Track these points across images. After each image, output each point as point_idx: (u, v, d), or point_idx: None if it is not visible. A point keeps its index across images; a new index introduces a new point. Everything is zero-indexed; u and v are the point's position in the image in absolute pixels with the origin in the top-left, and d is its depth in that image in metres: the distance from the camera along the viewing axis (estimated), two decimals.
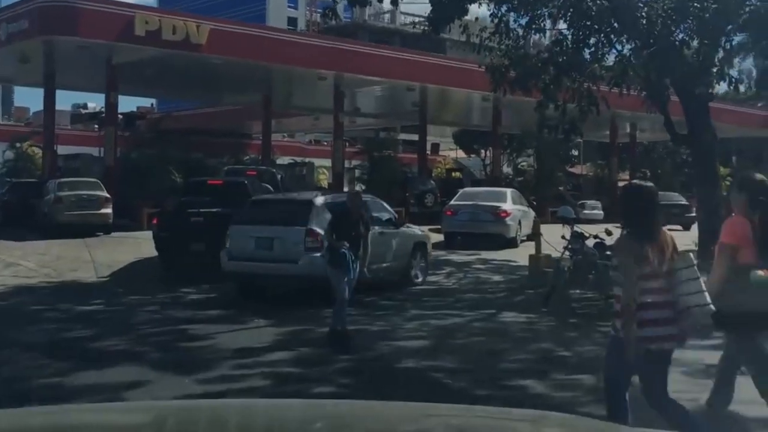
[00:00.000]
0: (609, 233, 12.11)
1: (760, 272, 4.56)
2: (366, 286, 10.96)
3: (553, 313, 10.13)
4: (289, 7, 75.07)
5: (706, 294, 4.28)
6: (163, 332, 9.00)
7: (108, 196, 20.18)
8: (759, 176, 5.15)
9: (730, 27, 12.76)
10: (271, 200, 13.53)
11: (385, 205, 13.97)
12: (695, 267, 4.31)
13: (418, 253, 13.27)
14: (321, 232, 10.46)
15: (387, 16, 63.52)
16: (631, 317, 4.19)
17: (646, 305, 4.26)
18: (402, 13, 61.83)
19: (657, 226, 4.37)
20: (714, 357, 7.48)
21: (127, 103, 72.71)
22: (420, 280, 13.27)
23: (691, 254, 4.45)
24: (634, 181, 4.94)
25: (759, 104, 43.13)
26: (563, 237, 11.88)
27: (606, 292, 11.59)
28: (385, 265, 12.27)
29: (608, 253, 11.96)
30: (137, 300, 11.54)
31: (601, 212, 31.10)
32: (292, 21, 64.15)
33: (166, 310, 10.60)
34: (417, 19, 47.30)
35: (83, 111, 60.61)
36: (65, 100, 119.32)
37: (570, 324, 9.59)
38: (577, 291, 11.60)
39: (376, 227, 12.08)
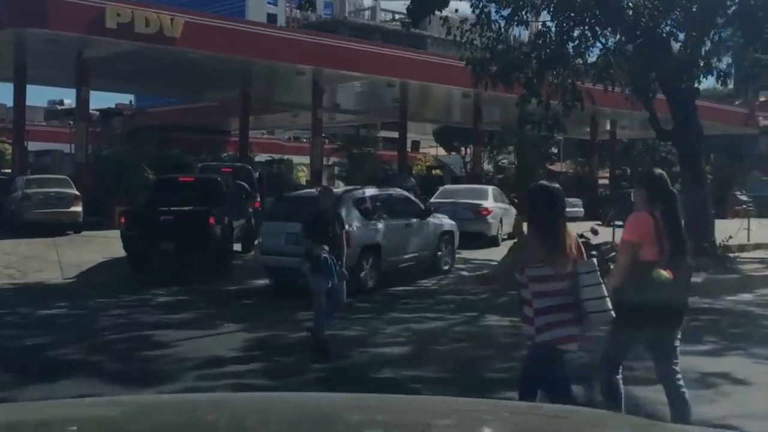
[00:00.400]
0: (595, 232, 11.72)
1: (663, 271, 4.51)
2: (395, 276, 11.97)
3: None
4: (269, 3, 74.42)
5: (607, 300, 4.30)
6: (125, 339, 8.46)
7: (77, 193, 19.54)
8: (658, 171, 5.08)
9: (718, 20, 12.43)
10: (301, 197, 13.75)
11: (411, 197, 14.67)
12: (597, 273, 4.31)
13: (445, 242, 14.13)
14: (348, 228, 10.97)
15: (367, 12, 63.17)
16: (487, 282, 4.20)
17: (550, 309, 4.26)
18: (382, 10, 61.52)
19: (561, 227, 4.37)
20: (710, 365, 7.13)
21: (107, 100, 71.88)
22: (447, 268, 14.11)
23: (594, 260, 4.47)
24: (541, 182, 4.80)
25: (737, 102, 43.19)
26: None
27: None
28: (411, 255, 13.13)
29: (593, 252, 11.61)
30: (102, 303, 10.99)
31: (582, 210, 30.89)
32: (271, 18, 63.58)
33: (132, 314, 10.07)
34: (398, 16, 46.90)
35: (59, 107, 59.59)
36: (42, 96, 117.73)
37: None
38: None
39: (401, 220, 12.94)
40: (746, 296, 11.99)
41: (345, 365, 7.37)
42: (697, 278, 12.88)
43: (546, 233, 4.30)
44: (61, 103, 62.33)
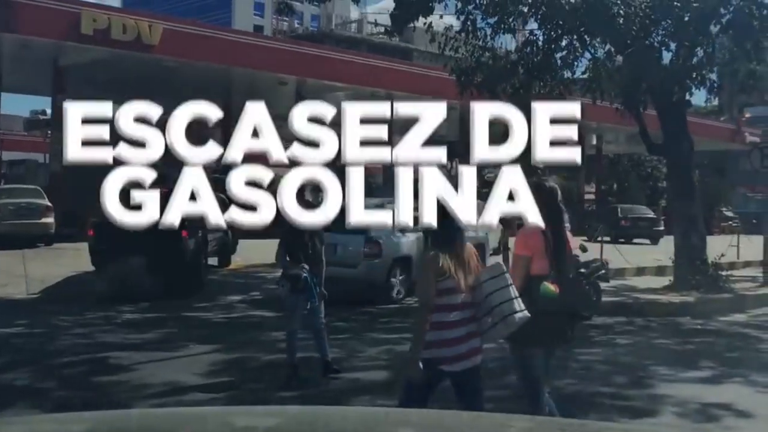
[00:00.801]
0: (584, 249, 11.28)
1: (550, 285, 4.52)
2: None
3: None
4: (255, 14, 74.18)
5: (520, 301, 4.24)
6: (82, 361, 7.86)
7: (49, 204, 18.92)
8: (549, 184, 4.99)
9: (712, 28, 12.05)
10: None
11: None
12: (506, 275, 4.27)
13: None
14: (380, 240, 11.69)
15: (354, 25, 63.00)
16: (423, 331, 4.13)
17: (448, 324, 4.19)
18: (369, 23, 61.32)
19: (458, 241, 4.31)
20: (710, 394, 6.65)
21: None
22: None
23: (501, 263, 4.47)
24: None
25: (722, 118, 43.17)
26: None
27: (581, 312, 10.76)
28: None
29: (582, 270, 11.14)
30: (64, 321, 10.37)
31: (568, 225, 30.46)
32: (258, 29, 63.45)
33: (94, 333, 9.47)
34: (382, 28, 46.57)
35: (41, 117, 58.74)
36: (24, 105, 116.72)
37: None
38: None
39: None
40: (740, 317, 11.56)
41: (317, 393, 6.80)
42: (689, 297, 12.50)
43: (445, 247, 4.22)
44: (44, 113, 61.35)
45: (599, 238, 16.43)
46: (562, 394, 6.65)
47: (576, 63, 13.21)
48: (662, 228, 29.01)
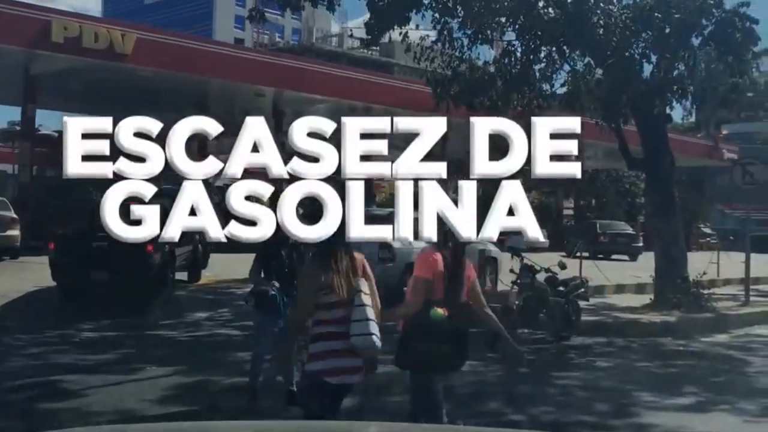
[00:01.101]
0: (563, 267, 11.02)
1: (439, 309, 4.46)
2: None
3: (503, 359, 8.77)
4: (236, 28, 73.94)
5: (370, 324, 4.07)
6: (29, 385, 7.33)
7: (15, 216, 18.31)
8: None
9: (694, 40, 11.85)
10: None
11: None
12: (361, 294, 4.15)
13: (487, 268, 14.19)
14: (394, 245, 11.85)
15: (335, 39, 62.91)
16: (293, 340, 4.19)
17: (329, 335, 4.10)
18: (349, 37, 61.26)
19: (342, 252, 4.20)
20: (697, 423, 6.30)
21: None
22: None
23: (362, 280, 4.22)
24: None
25: (699, 135, 43.36)
26: (512, 270, 10.72)
27: (559, 332, 10.43)
28: None
29: (561, 288, 10.84)
30: (18, 339, 9.82)
31: (546, 240, 30.33)
32: (239, 42, 63.19)
33: (47, 354, 8.94)
34: (358, 41, 46.43)
35: (17, 128, 57.85)
36: (2, 116, 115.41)
37: (520, 373, 8.21)
38: (527, 331, 10.34)
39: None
40: (723, 337, 11.27)
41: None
42: (670, 317, 12.19)
43: (327, 259, 4.14)
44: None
45: (578, 254, 16.17)
46: (539, 422, 6.27)
47: (555, 76, 12.96)
48: (641, 244, 28.91)
